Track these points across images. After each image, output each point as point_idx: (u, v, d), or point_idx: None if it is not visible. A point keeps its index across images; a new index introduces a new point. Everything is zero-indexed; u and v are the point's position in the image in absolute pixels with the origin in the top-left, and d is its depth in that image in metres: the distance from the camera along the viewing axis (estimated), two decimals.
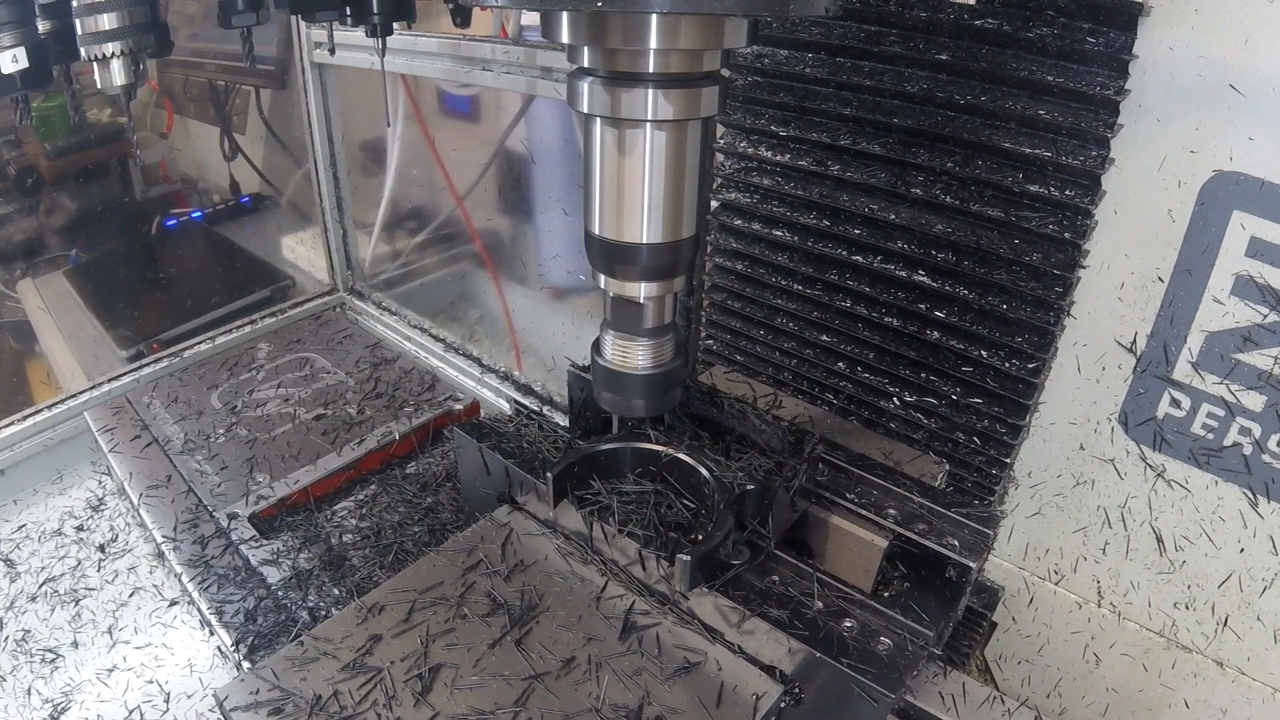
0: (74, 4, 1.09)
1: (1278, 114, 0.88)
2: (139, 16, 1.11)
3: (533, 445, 1.05)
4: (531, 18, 1.82)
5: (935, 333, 1.15)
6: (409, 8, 1.38)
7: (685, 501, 0.96)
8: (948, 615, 0.86)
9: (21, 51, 1.16)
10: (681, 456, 0.96)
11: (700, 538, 0.92)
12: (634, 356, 0.95)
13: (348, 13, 1.34)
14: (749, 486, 0.91)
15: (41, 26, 1.19)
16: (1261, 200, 0.92)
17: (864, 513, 0.93)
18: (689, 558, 0.84)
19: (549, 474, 0.94)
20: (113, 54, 1.09)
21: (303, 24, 2.01)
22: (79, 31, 1.10)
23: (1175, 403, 1.06)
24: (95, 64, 1.11)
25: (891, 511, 0.93)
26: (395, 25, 1.39)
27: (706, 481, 0.95)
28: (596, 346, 1.00)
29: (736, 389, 1.19)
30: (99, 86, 1.13)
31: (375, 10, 1.32)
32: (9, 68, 1.16)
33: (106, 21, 1.08)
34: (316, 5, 1.32)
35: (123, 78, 1.12)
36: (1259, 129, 0.90)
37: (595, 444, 1.00)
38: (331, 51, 1.54)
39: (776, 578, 0.89)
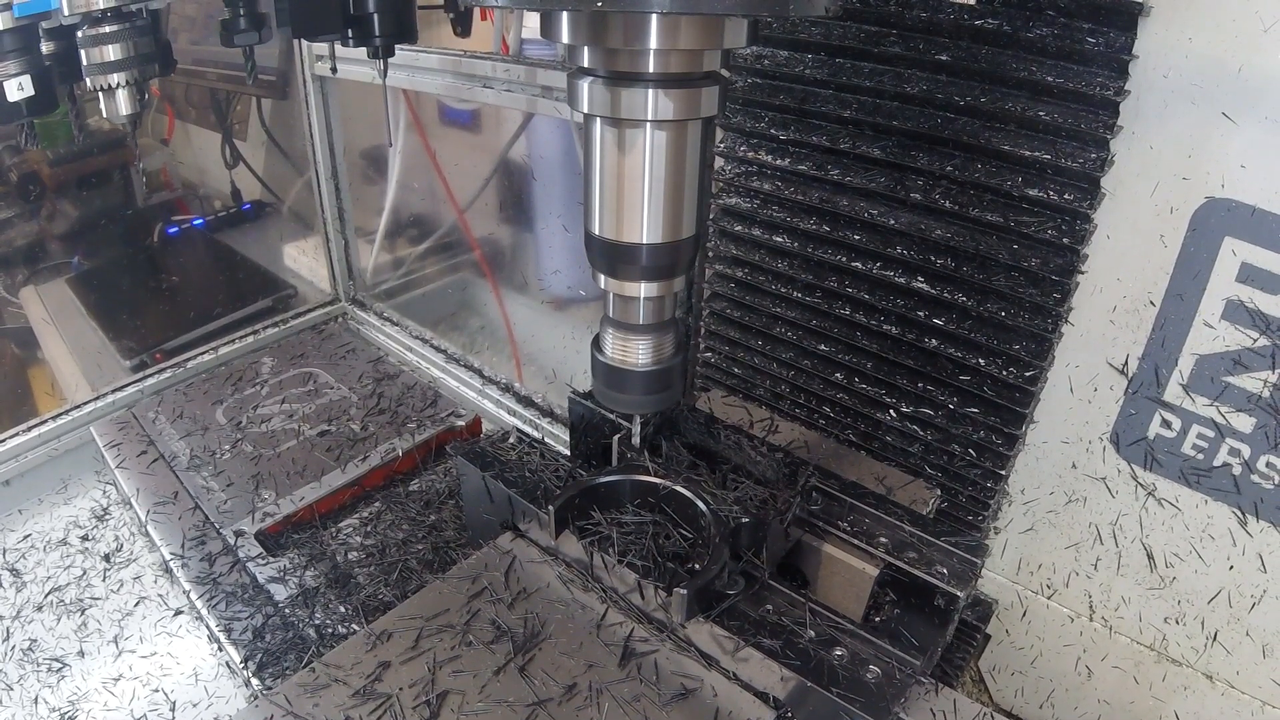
0: (79, 35, 1.10)
1: (1270, 141, 0.89)
2: (144, 46, 1.12)
3: (535, 474, 1.06)
4: (532, 30, 1.83)
5: (933, 340, 1.15)
6: (410, 29, 1.38)
7: (683, 532, 0.98)
8: (936, 642, 0.88)
9: (27, 79, 1.18)
10: (679, 489, 0.98)
11: (697, 567, 0.93)
12: (633, 352, 0.94)
13: (349, 34, 1.34)
14: (744, 520, 0.93)
15: (45, 48, 1.21)
16: (1253, 227, 0.93)
17: (855, 542, 0.94)
18: (686, 591, 0.86)
19: (551, 507, 0.96)
20: (118, 84, 1.10)
21: None
22: (84, 62, 1.11)
23: (1166, 424, 1.07)
24: (101, 94, 1.12)
25: (883, 540, 0.95)
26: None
27: (703, 514, 0.96)
28: (596, 343, 0.99)
29: (734, 413, 1.20)
30: (105, 116, 1.14)
31: (377, 33, 1.33)
32: (15, 95, 1.17)
33: (112, 52, 1.09)
34: (318, 27, 1.32)
35: (128, 107, 1.13)
36: (1251, 156, 0.91)
37: (595, 476, 1.02)
38: (333, 71, 1.55)
39: (770, 606, 0.91)
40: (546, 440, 1.81)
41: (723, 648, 0.88)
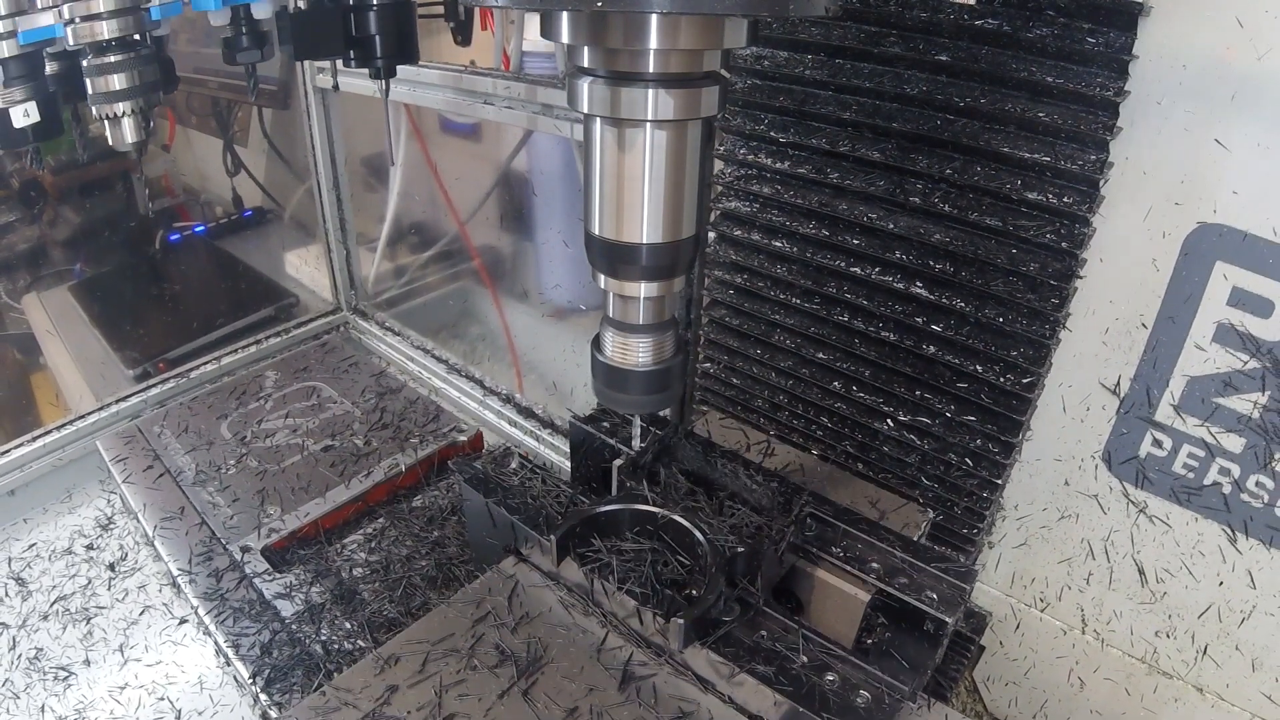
0: (84, 64, 1.11)
1: (1261, 168, 0.91)
2: (148, 75, 1.14)
3: (537, 500, 1.08)
4: (532, 42, 1.83)
5: (931, 347, 1.15)
6: (412, 49, 1.39)
7: (680, 559, 1.00)
8: (926, 665, 0.90)
9: (33, 106, 1.19)
10: (677, 519, 1.00)
11: (694, 594, 0.96)
12: (633, 352, 0.94)
13: (351, 55, 1.35)
14: (739, 549, 0.95)
15: (48, 68, 1.22)
16: (1244, 252, 0.95)
17: (848, 568, 0.96)
18: (683, 620, 0.88)
19: (553, 536, 0.98)
20: (124, 113, 1.12)
21: None
22: (90, 91, 1.12)
23: (1157, 443, 1.09)
24: (107, 122, 1.13)
25: (875, 565, 0.96)
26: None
27: (700, 543, 0.98)
28: (596, 343, 0.99)
29: (731, 436, 1.21)
30: (110, 144, 1.15)
31: (379, 54, 1.34)
32: (20, 122, 1.19)
33: (117, 82, 1.10)
34: (320, 48, 1.33)
35: (133, 135, 1.14)
36: (1242, 182, 0.92)
37: (596, 505, 1.04)
38: (335, 88, 1.56)
39: (765, 632, 0.93)
40: (546, 451, 1.85)
41: (718, 672, 0.90)
